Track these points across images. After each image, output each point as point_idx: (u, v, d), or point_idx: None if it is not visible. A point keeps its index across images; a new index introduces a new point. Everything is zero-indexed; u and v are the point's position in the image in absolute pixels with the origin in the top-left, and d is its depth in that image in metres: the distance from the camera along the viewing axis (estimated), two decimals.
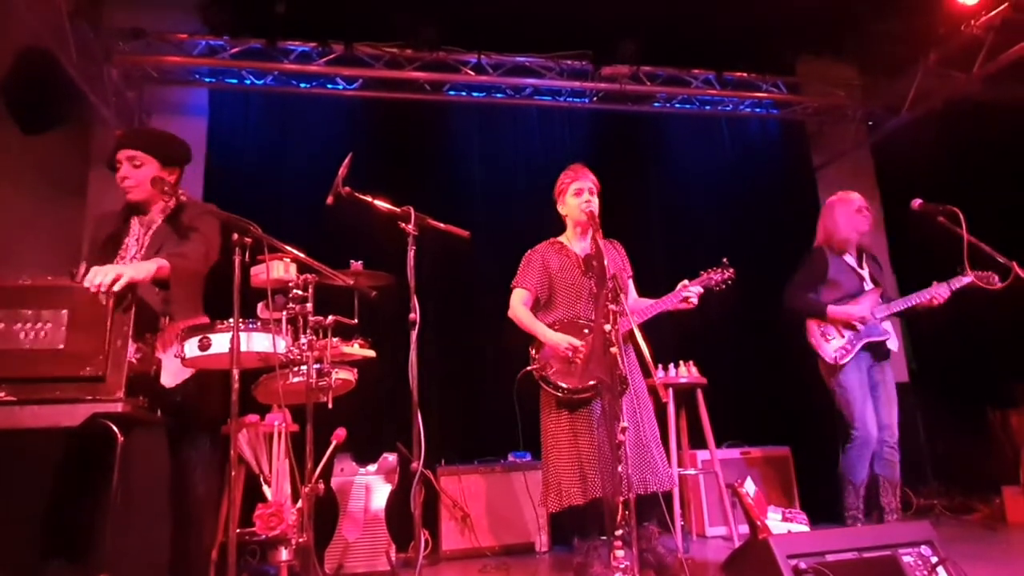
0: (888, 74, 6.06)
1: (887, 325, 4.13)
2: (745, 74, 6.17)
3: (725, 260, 3.42)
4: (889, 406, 4.04)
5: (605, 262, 2.96)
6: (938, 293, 4.00)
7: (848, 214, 4.26)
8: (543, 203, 3.72)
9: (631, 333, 2.86)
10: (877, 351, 4.11)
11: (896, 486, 3.96)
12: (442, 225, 2.98)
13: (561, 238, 3.51)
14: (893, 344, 4.13)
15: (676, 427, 4.56)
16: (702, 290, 3.32)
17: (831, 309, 4.12)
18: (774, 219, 5.93)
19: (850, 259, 4.26)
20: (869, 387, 4.06)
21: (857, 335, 4.05)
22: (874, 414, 4.00)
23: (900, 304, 4.09)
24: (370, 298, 2.89)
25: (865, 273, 4.23)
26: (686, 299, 3.27)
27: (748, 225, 5.96)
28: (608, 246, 3.46)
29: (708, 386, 4.72)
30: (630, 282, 3.58)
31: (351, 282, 3.02)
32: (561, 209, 3.51)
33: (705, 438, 4.73)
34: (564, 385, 3.16)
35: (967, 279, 3.96)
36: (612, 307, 2.82)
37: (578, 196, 3.38)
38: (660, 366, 4.76)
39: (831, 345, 4.07)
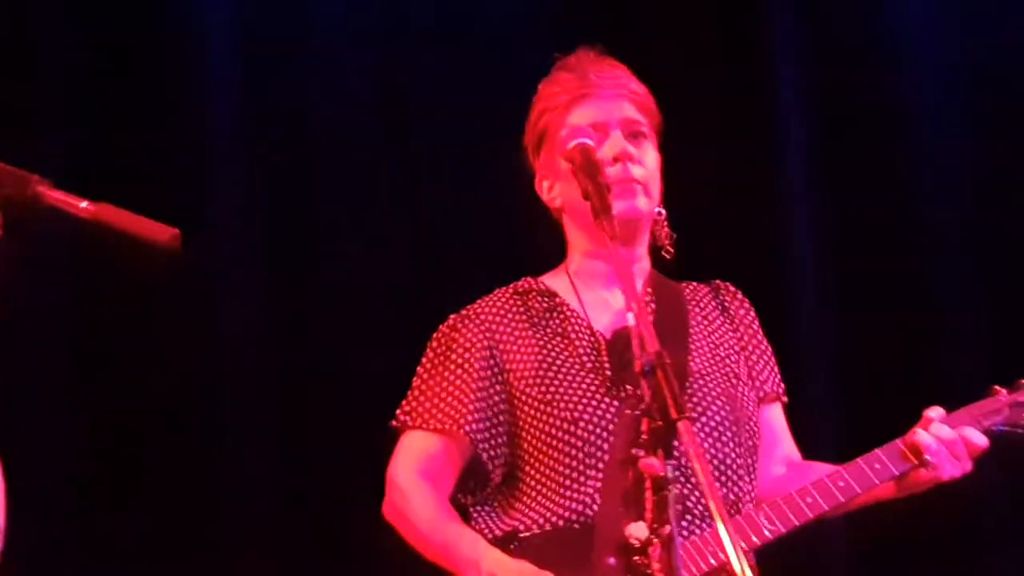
0: None
1: None
2: None
3: None
4: None
5: (686, 349, 1.91)
6: None
7: None
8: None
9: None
10: None
11: None
12: (84, 206, 1.40)
13: (548, 278, 2.04)
14: None
15: None
16: (985, 441, 1.85)
17: None
18: None
19: None
20: None
21: None
22: None
23: None
24: None
25: None
26: (919, 455, 1.80)
27: None
28: (700, 296, 2.05)
29: None
30: (772, 410, 2.04)
31: None
32: (546, 193, 2.01)
33: None
34: None
35: None
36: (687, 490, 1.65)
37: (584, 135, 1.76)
38: None
39: None
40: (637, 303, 1.38)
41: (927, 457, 1.77)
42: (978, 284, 3.16)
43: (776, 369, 2.02)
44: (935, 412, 1.82)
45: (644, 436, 1.37)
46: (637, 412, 1.38)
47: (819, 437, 2.15)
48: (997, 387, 1.91)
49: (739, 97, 3.07)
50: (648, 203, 1.85)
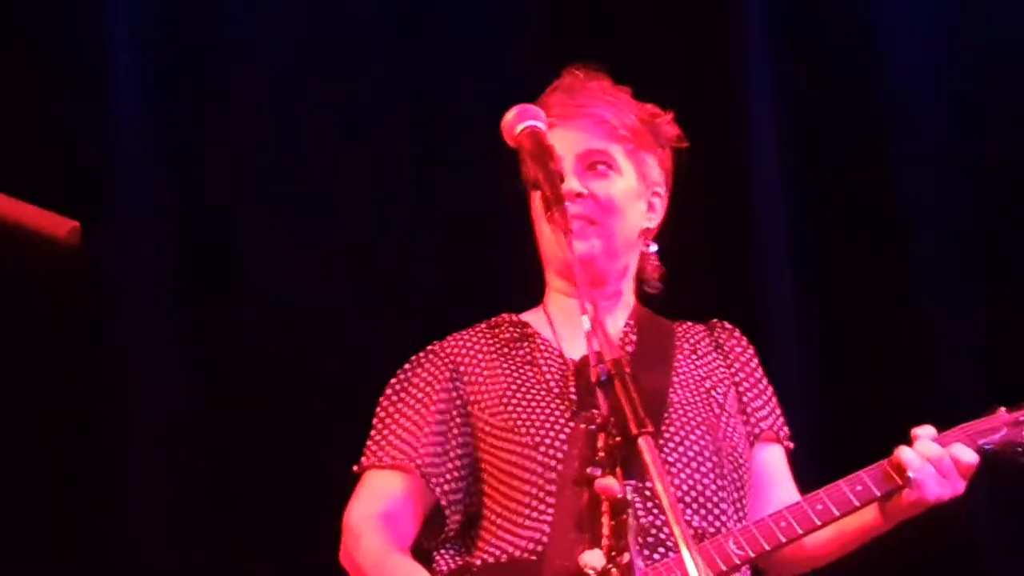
0: None
1: None
2: None
3: None
4: None
5: (667, 381, 1.81)
6: None
7: None
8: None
9: None
10: None
11: None
12: None
13: (527, 315, 1.93)
14: None
15: None
16: (975, 457, 1.68)
17: None
18: None
19: None
20: None
21: None
22: None
23: None
24: None
25: None
26: (903, 474, 1.64)
27: None
28: (692, 334, 1.95)
29: None
30: (769, 450, 1.88)
31: None
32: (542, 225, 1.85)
33: None
34: None
35: None
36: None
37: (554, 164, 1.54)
38: None
39: None
40: (593, 304, 1.26)
41: (910, 475, 1.62)
42: (972, 299, 2.81)
43: (778, 411, 1.87)
44: (924, 431, 1.68)
45: (601, 453, 1.24)
46: (592, 427, 1.25)
47: (803, 468, 1.98)
48: (1000, 407, 1.76)
49: (709, 96, 2.73)
50: (601, 244, 1.72)
